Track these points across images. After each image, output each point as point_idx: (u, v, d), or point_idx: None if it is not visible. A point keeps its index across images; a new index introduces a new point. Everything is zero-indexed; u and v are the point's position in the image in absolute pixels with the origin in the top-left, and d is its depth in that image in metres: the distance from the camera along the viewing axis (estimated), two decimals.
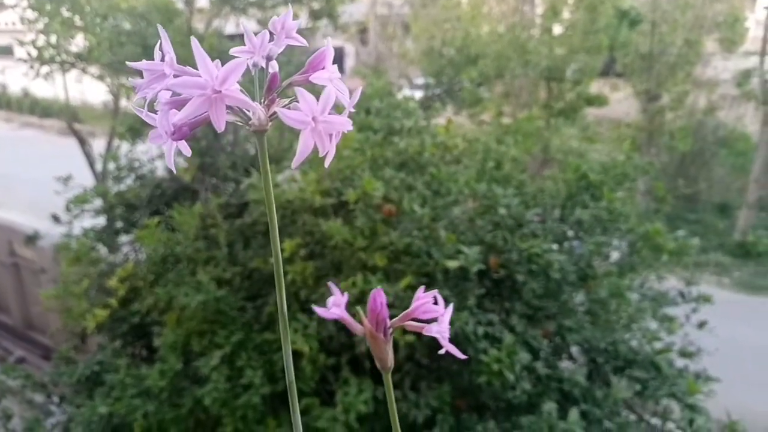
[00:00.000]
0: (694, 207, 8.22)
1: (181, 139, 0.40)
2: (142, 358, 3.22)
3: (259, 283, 2.85)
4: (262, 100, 0.42)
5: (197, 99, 0.36)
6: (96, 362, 3.06)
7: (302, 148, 0.38)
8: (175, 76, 0.38)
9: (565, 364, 2.75)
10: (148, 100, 0.39)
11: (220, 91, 0.36)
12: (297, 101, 0.40)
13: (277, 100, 0.42)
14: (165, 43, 0.39)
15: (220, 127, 0.36)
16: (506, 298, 2.57)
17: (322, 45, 0.44)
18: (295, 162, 0.39)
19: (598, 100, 7.61)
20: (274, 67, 0.42)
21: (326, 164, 0.40)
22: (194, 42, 0.35)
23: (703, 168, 8.37)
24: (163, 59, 0.39)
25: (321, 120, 0.38)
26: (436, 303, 0.46)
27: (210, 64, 0.36)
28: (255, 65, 0.41)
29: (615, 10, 7.27)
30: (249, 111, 0.40)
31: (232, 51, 0.43)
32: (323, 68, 0.43)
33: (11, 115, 14.83)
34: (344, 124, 0.39)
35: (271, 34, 0.43)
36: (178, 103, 0.38)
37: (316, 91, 0.42)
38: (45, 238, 4.49)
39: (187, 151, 0.41)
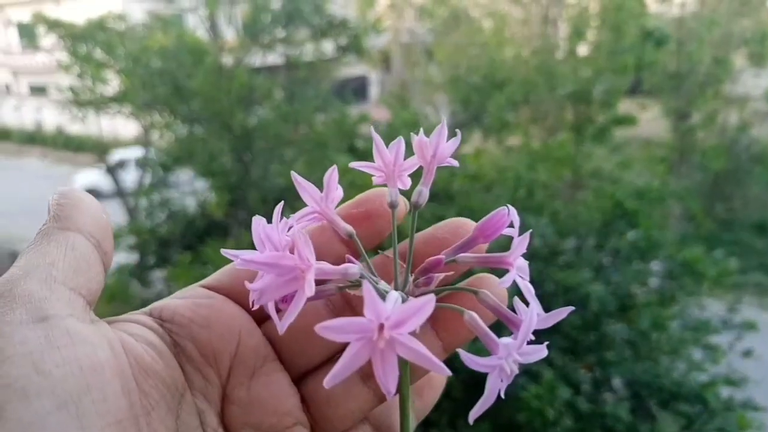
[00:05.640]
0: (730, 226, 8.01)
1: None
2: None
3: None
4: (408, 275, 0.31)
5: (357, 344, 0.25)
6: None
7: (488, 397, 0.28)
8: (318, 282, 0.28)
9: (606, 396, 2.66)
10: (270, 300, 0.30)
11: (391, 337, 0.24)
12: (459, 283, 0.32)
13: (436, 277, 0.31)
14: (304, 247, 0.27)
15: (389, 391, 0.25)
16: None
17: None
18: (473, 415, 0.29)
19: (627, 121, 7.52)
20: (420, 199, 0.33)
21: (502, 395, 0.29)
22: (366, 286, 0.24)
23: (738, 186, 8.18)
24: (293, 253, 0.28)
25: (517, 355, 0.28)
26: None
27: (378, 301, 0.24)
28: (393, 205, 0.32)
29: (639, 30, 7.21)
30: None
31: (353, 165, 0.33)
32: (510, 261, 0.31)
33: (47, 151, 15.28)
34: (541, 352, 0.29)
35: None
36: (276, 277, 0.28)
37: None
38: None
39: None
